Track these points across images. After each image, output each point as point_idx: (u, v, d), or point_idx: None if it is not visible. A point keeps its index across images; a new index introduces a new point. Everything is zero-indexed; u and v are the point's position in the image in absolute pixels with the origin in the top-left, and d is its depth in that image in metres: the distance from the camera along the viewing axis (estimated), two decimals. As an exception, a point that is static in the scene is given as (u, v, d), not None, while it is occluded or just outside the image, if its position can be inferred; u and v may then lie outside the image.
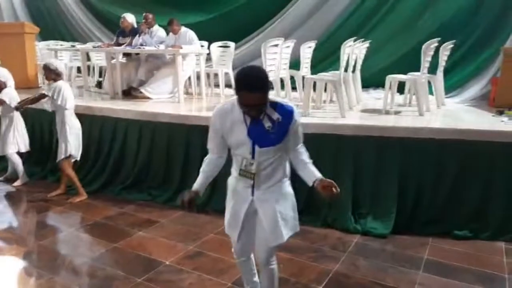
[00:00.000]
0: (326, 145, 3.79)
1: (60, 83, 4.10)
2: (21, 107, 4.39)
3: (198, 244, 3.38)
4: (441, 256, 3.20)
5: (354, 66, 5.04)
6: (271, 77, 4.65)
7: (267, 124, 1.95)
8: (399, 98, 5.13)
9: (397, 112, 4.61)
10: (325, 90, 5.15)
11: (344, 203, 3.71)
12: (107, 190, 4.53)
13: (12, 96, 4.57)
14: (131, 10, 6.59)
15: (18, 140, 4.72)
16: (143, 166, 4.52)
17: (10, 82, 4.64)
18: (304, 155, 2.14)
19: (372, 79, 5.92)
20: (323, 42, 5.96)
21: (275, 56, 4.67)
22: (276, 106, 1.97)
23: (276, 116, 1.95)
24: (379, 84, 5.51)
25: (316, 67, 5.40)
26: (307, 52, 5.15)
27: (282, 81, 5.11)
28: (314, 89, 4.85)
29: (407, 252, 3.26)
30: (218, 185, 4.06)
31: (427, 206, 3.62)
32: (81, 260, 3.13)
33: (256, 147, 2.00)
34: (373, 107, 4.91)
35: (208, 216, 3.94)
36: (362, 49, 5.17)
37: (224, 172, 2.29)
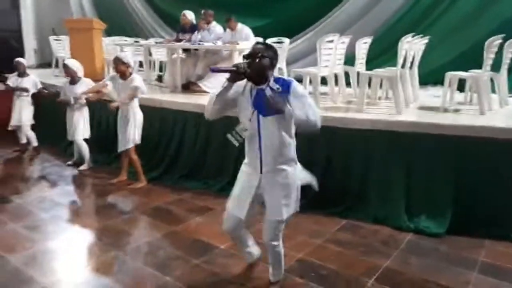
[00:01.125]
0: (380, 142, 3.78)
1: (136, 75, 4.43)
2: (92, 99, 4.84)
3: (252, 231, 3.50)
4: (497, 258, 3.10)
5: (412, 63, 4.94)
6: (325, 72, 4.69)
7: (269, 93, 2.25)
8: (459, 96, 4.95)
9: (456, 110, 4.47)
10: (381, 86, 5.09)
11: (397, 200, 3.69)
12: (165, 178, 4.80)
13: (88, 84, 4.98)
14: (191, 8, 6.85)
15: (86, 127, 5.12)
16: (199, 156, 4.73)
17: (80, 73, 5.05)
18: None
19: (430, 76, 5.75)
20: (380, 38, 5.85)
21: (330, 51, 4.69)
22: (279, 79, 2.33)
23: (276, 86, 2.29)
24: (437, 81, 5.34)
25: (371, 63, 5.33)
26: (362, 47, 5.11)
27: (336, 76, 5.11)
28: (370, 86, 4.82)
29: (462, 253, 3.19)
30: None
31: (484, 208, 3.50)
32: (143, 240, 3.38)
33: (261, 117, 2.31)
34: (431, 105, 4.79)
35: (262, 207, 4.06)
36: (420, 45, 5.05)
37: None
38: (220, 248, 3.22)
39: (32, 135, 5.79)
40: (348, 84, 5.50)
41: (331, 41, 4.68)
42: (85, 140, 5.15)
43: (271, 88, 2.28)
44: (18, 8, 10.04)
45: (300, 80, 5.13)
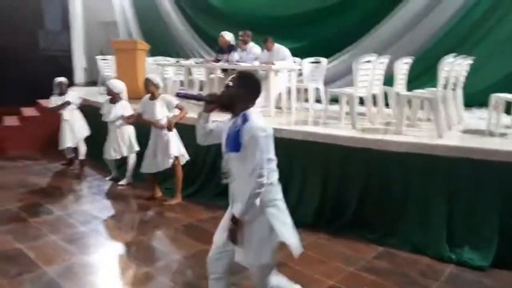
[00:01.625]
0: (420, 166, 3.63)
1: (165, 95, 4.57)
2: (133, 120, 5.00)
3: (282, 255, 3.42)
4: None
5: (455, 83, 4.76)
6: (362, 93, 4.61)
7: (232, 129, 2.11)
8: (506, 119, 4.70)
9: (502, 134, 4.23)
10: (422, 108, 4.93)
11: (438, 228, 3.50)
12: (200, 195, 4.84)
13: (126, 108, 5.15)
14: (230, 29, 7.02)
15: (133, 142, 5.24)
16: (232, 175, 4.74)
17: (124, 95, 5.23)
18: (249, 186, 2.02)
19: (476, 98, 5.50)
20: (421, 57, 5.70)
21: (367, 72, 4.61)
22: (245, 116, 2.08)
23: (238, 122, 2.08)
24: (483, 103, 5.10)
25: (412, 83, 5.18)
26: (402, 68, 4.98)
27: (374, 97, 5.01)
28: (410, 107, 4.69)
29: (508, 289, 2.97)
30: (302, 196, 4.16)
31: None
32: (174, 257, 3.40)
33: (229, 153, 2.15)
34: (476, 128, 4.57)
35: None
36: (463, 66, 4.86)
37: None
38: (249, 270, 3.17)
39: (83, 148, 6.00)
40: (387, 105, 5.38)
41: (369, 62, 4.60)
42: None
43: (235, 123, 2.11)
44: (68, 29, 10.70)
45: (336, 100, 5.10)
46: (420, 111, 4.90)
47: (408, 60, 5.04)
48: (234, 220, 2.09)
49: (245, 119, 2.06)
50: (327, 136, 4.07)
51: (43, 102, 7.83)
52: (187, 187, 4.94)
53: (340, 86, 5.90)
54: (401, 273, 3.19)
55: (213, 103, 2.23)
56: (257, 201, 2.06)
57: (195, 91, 6.79)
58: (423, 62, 5.71)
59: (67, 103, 5.82)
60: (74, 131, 5.89)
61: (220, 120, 2.32)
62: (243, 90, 2.14)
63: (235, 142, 2.07)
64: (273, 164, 2.19)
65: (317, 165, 4.08)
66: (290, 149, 4.28)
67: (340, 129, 4.40)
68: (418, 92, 4.63)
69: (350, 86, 5.24)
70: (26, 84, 10.50)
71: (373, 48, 5.66)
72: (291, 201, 4.20)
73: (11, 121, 7.54)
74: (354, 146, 3.90)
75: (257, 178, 2.00)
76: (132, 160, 5.28)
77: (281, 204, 2.25)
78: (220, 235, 2.32)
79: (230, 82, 2.16)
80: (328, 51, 6.36)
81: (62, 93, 5.90)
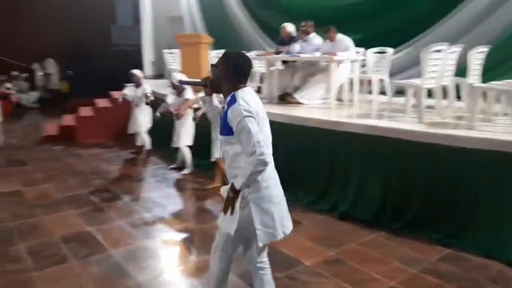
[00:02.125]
0: (494, 164, 3.33)
1: None
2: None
3: (339, 251, 3.37)
4: None
5: (538, 74, 4.29)
6: (431, 84, 4.33)
7: (224, 110, 2.10)
8: None
9: None
10: (498, 101, 4.51)
11: (512, 232, 3.20)
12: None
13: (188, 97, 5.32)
14: (292, 20, 6.92)
15: (189, 135, 5.45)
16: (291, 167, 4.70)
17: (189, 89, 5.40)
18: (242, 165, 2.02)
19: None
20: (497, 47, 5.19)
21: (437, 62, 4.31)
22: (233, 97, 2.04)
23: (226, 104, 2.07)
24: None
25: (487, 74, 4.75)
26: (477, 58, 4.58)
27: (444, 89, 4.68)
28: (485, 100, 4.32)
29: None
30: (362, 192, 4.02)
31: None
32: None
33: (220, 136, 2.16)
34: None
35: (350, 225, 3.89)
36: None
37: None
38: (304, 265, 3.14)
39: (147, 139, 6.35)
40: (459, 97, 5.00)
41: (439, 51, 4.30)
42: (189, 146, 5.48)
43: (224, 104, 2.11)
44: (139, 24, 11.24)
45: (402, 92, 4.84)
46: (496, 105, 4.49)
47: (484, 49, 4.63)
48: (234, 190, 2.06)
49: (232, 101, 2.04)
50: (391, 130, 3.87)
51: (115, 93, 8.32)
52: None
53: (406, 78, 5.58)
54: (468, 278, 2.97)
55: (206, 86, 2.23)
56: (259, 178, 2.07)
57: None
58: (500, 51, 5.19)
59: (146, 97, 6.13)
60: (139, 121, 6.21)
61: None
62: (227, 69, 2.10)
63: (225, 125, 2.07)
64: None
65: (379, 160, 3.91)
66: (350, 143, 4.15)
67: (406, 123, 4.16)
68: (494, 84, 4.23)
69: (417, 78, 4.97)
70: (100, 77, 11.27)
71: (444, 37, 5.25)
72: (349, 196, 4.12)
73: (85, 111, 8.12)
74: (420, 141, 3.68)
75: (258, 156, 1.96)
76: (184, 151, 5.45)
77: (266, 190, 2.16)
78: None
79: (215, 63, 2.15)
80: (394, 41, 6.02)
81: (138, 85, 6.24)
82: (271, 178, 2.22)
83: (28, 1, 11.91)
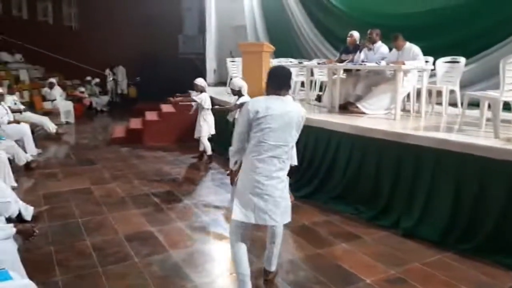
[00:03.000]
0: None
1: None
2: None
3: (401, 270, 3.19)
4: None
5: None
6: (509, 97, 4.00)
7: None
8: None
9: None
10: None
11: None
12: (315, 197, 4.77)
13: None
14: (356, 27, 6.78)
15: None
16: (351, 179, 4.56)
17: (244, 91, 5.44)
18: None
19: None
20: None
21: (518, 73, 3.97)
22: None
23: None
24: None
25: None
26: None
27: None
28: None
29: None
30: (428, 209, 3.79)
31: None
32: (287, 257, 3.39)
33: None
34: None
35: (414, 243, 3.68)
36: None
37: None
38: (365, 282, 3.00)
39: (207, 145, 6.49)
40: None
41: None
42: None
43: None
44: (204, 33, 11.61)
45: (477, 104, 4.52)
46: None
47: None
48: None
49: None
50: (463, 145, 3.61)
51: (171, 99, 8.62)
52: (302, 188, 4.91)
53: (476, 91, 5.22)
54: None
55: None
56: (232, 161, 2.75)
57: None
58: None
59: (197, 104, 6.34)
60: (199, 128, 6.37)
61: None
62: (268, 79, 2.61)
63: None
64: (260, 146, 2.54)
65: (448, 176, 3.66)
66: (418, 156, 3.93)
67: (480, 137, 3.88)
68: None
69: (490, 90, 4.64)
70: (165, 84, 11.76)
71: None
72: (414, 212, 3.90)
73: (151, 116, 8.50)
74: (495, 158, 3.39)
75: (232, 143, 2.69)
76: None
77: (248, 181, 2.58)
78: None
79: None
80: (464, 52, 5.65)
81: (201, 93, 6.44)
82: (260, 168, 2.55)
83: (104, 11, 12.81)
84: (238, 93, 5.30)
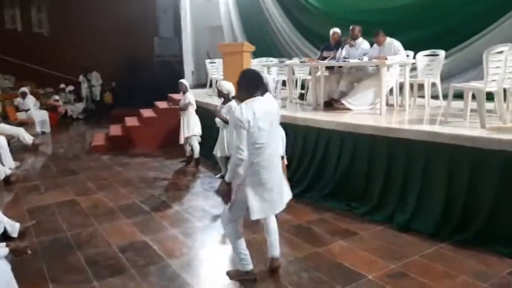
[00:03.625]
0: None
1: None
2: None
3: (401, 264, 3.21)
4: None
5: None
6: (493, 87, 4.09)
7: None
8: None
9: None
10: None
11: None
12: (307, 196, 4.76)
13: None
14: (334, 24, 6.83)
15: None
16: (343, 176, 4.58)
17: (232, 94, 5.39)
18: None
19: None
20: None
21: (499, 64, 4.07)
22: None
23: None
24: None
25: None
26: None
27: (505, 92, 4.42)
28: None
29: None
30: (422, 202, 3.83)
31: None
32: (287, 258, 3.36)
33: None
34: None
35: (410, 236, 3.71)
36: None
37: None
38: (367, 278, 3.01)
39: (196, 146, 6.38)
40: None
41: (501, 52, 4.06)
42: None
43: None
44: (180, 35, 11.46)
45: (458, 96, 4.61)
46: None
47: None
48: (225, 182, 2.76)
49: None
50: (452, 136, 3.67)
51: (159, 104, 8.49)
52: (294, 187, 4.85)
53: (460, 82, 5.34)
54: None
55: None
56: (240, 171, 2.70)
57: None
58: None
59: (189, 104, 6.24)
60: (189, 127, 6.27)
61: None
62: (240, 83, 2.76)
63: None
64: (257, 148, 2.69)
65: (440, 168, 3.71)
66: (408, 150, 3.98)
67: (467, 128, 3.96)
68: None
69: (470, 81, 4.76)
70: (142, 88, 11.56)
71: (504, 38, 4.97)
72: (407, 206, 3.94)
73: (131, 121, 8.32)
74: (485, 147, 3.46)
75: (235, 154, 2.63)
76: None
77: (260, 181, 2.75)
78: None
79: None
80: (447, 43, 5.77)
81: (184, 93, 6.36)
82: (264, 167, 2.74)
83: (75, 16, 12.45)
84: (225, 96, 5.24)
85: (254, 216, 2.76)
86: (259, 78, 2.75)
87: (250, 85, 2.71)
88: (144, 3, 11.91)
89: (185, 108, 6.28)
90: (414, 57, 5.79)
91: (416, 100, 5.93)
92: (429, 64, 5.76)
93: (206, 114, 6.47)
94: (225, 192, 2.80)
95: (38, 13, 13.44)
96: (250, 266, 2.97)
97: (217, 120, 5.21)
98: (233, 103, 5.31)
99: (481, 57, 3.96)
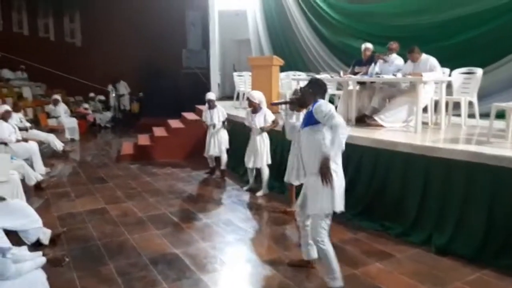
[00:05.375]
0: None
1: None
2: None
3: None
4: None
5: None
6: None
7: (306, 115, 3.04)
8: None
9: None
10: None
11: None
12: (338, 214, 4.61)
13: (267, 114, 5.30)
14: (363, 41, 6.76)
15: (268, 154, 5.41)
16: (376, 194, 4.46)
17: (264, 104, 5.38)
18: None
19: None
20: None
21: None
22: (315, 102, 2.91)
23: (310, 108, 2.94)
24: None
25: None
26: None
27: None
28: None
29: None
30: (462, 225, 3.68)
31: None
32: (323, 280, 3.25)
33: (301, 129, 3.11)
34: None
35: (449, 260, 3.56)
36: None
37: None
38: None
39: (225, 159, 6.34)
40: None
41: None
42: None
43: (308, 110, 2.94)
44: (207, 47, 11.57)
45: (501, 115, 4.45)
46: None
47: None
48: (327, 165, 2.77)
49: (314, 104, 2.86)
50: (495, 157, 3.52)
51: (186, 114, 8.55)
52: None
53: (497, 101, 5.17)
54: None
55: (294, 102, 3.27)
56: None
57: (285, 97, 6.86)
58: None
59: (213, 126, 6.22)
60: (220, 141, 6.24)
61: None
62: (314, 88, 2.99)
63: (309, 119, 2.87)
64: None
65: (481, 189, 3.56)
66: (446, 170, 3.84)
67: (507, 149, 3.80)
68: None
69: (508, 101, 4.60)
70: (169, 99, 11.69)
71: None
72: (446, 228, 3.78)
73: (160, 131, 8.39)
74: (532, 170, 3.31)
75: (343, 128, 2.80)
76: (265, 171, 5.41)
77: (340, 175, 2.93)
78: (300, 197, 3.20)
79: (304, 86, 3.09)
80: (485, 60, 5.63)
81: (210, 107, 6.31)
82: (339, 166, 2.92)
83: (106, 27, 12.77)
84: (255, 105, 5.24)
85: (338, 207, 2.88)
86: (326, 86, 3.11)
87: (323, 91, 3.02)
88: (174, 16, 12.11)
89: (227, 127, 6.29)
90: (450, 75, 5.65)
91: (450, 119, 5.77)
92: (465, 82, 5.60)
93: (234, 125, 6.46)
94: (329, 175, 2.77)
95: (70, 24, 13.87)
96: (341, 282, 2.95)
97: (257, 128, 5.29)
98: (267, 111, 5.31)
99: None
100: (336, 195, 2.83)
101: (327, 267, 2.93)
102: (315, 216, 2.92)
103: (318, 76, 7.31)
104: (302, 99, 3.05)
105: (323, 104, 2.82)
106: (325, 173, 2.75)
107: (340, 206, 2.88)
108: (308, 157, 2.94)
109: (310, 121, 2.87)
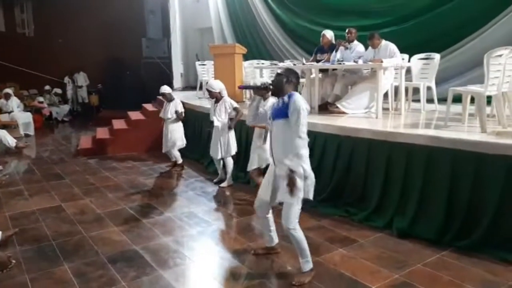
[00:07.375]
0: None
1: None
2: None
3: (404, 273, 3.09)
4: None
5: None
6: (494, 91, 4.03)
7: (279, 105, 2.93)
8: None
9: None
10: None
11: None
12: (303, 202, 4.60)
13: (227, 103, 5.19)
14: (324, 27, 6.74)
15: (233, 145, 5.33)
16: (340, 181, 4.47)
17: (224, 93, 5.26)
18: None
19: None
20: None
21: (499, 68, 4.02)
22: (290, 95, 2.84)
23: (285, 100, 2.86)
24: None
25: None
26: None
27: (504, 96, 4.36)
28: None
29: None
30: (423, 208, 3.73)
31: None
32: (287, 268, 3.21)
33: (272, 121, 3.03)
34: None
35: (411, 243, 3.61)
36: None
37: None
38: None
39: (177, 155, 6.22)
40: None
41: (500, 56, 4.01)
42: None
43: (282, 100, 2.86)
44: (168, 36, 11.25)
45: (459, 99, 4.55)
46: None
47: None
48: (292, 173, 2.75)
49: (290, 97, 2.80)
50: (454, 140, 3.58)
51: (147, 106, 8.28)
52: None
53: (454, 85, 5.29)
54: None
55: (265, 89, 3.08)
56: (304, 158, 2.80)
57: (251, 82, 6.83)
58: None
59: (181, 114, 6.07)
60: (171, 139, 6.10)
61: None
62: (288, 78, 2.88)
63: (283, 112, 2.80)
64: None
65: (441, 173, 3.62)
66: (407, 155, 3.88)
67: (468, 133, 3.89)
68: None
69: (465, 85, 4.71)
70: (129, 90, 11.32)
71: (500, 40, 4.94)
72: (407, 212, 3.83)
73: (119, 124, 8.09)
74: (488, 152, 3.38)
75: (304, 141, 2.77)
76: (229, 162, 5.32)
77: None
78: (265, 190, 3.14)
79: (279, 72, 2.96)
80: (442, 46, 5.74)
81: (169, 101, 6.13)
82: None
83: (61, 17, 12.13)
84: (217, 95, 5.12)
85: (312, 195, 2.96)
86: (299, 76, 3.11)
87: (297, 81, 2.97)
88: (131, 4, 11.67)
89: (183, 118, 6.11)
90: (409, 60, 5.73)
91: (410, 104, 5.87)
92: (424, 68, 5.70)
93: (196, 116, 6.32)
94: (295, 181, 2.76)
95: (21, 14, 13.08)
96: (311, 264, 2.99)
97: (218, 123, 5.08)
98: (272, 98, 5.17)
99: (473, 60, 3.90)
100: (309, 184, 2.87)
101: (300, 252, 2.95)
102: (289, 205, 2.87)
103: (281, 64, 7.31)
104: (278, 87, 2.90)
105: (303, 108, 2.75)
106: (291, 184, 2.76)
107: (312, 194, 2.93)
108: (279, 149, 2.87)
109: (285, 113, 2.79)
